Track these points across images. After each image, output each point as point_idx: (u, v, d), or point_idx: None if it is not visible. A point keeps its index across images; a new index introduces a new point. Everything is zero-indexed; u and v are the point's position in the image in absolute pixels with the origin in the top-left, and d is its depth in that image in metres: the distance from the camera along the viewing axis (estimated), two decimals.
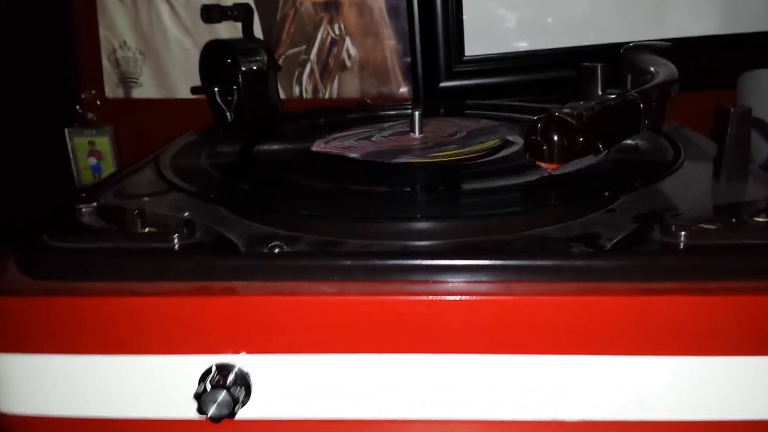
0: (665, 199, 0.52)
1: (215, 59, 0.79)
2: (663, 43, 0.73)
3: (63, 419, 0.46)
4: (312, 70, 1.00)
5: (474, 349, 0.43)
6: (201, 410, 0.42)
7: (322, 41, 0.98)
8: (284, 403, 0.44)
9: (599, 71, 0.74)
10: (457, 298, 0.42)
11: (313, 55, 0.99)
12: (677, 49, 0.75)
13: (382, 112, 0.82)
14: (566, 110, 0.50)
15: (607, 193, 0.50)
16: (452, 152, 0.61)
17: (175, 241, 0.46)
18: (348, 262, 0.44)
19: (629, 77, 0.72)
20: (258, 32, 0.96)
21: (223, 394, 0.42)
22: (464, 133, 0.67)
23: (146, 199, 0.57)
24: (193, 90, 0.81)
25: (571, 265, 0.43)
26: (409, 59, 0.96)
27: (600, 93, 0.74)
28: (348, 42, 0.98)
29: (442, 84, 0.94)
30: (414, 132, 0.65)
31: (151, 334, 0.44)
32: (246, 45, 0.79)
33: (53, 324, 0.44)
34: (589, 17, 0.94)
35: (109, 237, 0.48)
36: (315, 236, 0.48)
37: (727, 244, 0.43)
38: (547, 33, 0.94)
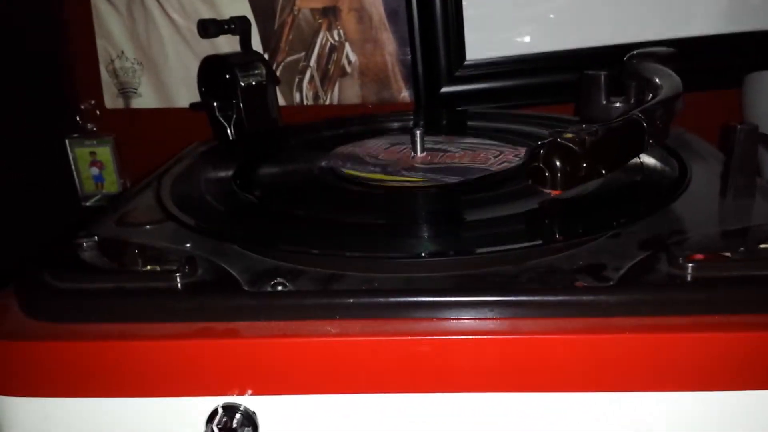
0: (671, 222, 0.51)
1: (213, 75, 0.78)
2: (667, 49, 0.72)
3: None
4: (312, 77, 0.99)
5: (479, 388, 0.42)
6: None
7: (322, 47, 0.97)
8: None
9: (603, 80, 0.73)
10: (462, 337, 0.41)
11: (312, 62, 0.98)
12: (682, 50, 0.74)
13: (383, 124, 0.82)
14: (569, 135, 0.50)
15: (616, 224, 0.49)
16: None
17: (178, 280, 0.46)
18: (350, 300, 0.44)
19: (633, 86, 0.71)
20: (256, 40, 0.95)
21: None
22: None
23: (147, 227, 0.56)
24: (192, 106, 0.80)
25: (578, 300, 0.42)
26: (409, 64, 0.95)
27: (604, 102, 0.73)
28: (348, 48, 0.97)
29: (444, 89, 0.93)
30: (416, 152, 0.64)
31: (155, 377, 0.44)
32: (244, 59, 0.78)
33: (56, 368, 0.44)
34: (592, 18, 0.92)
35: (110, 276, 0.47)
36: (317, 269, 0.47)
37: (735, 277, 0.43)
38: (550, 35, 0.92)
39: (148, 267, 0.48)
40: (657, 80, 0.63)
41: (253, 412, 0.44)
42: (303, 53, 0.98)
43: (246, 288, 0.45)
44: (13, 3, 0.92)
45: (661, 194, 0.54)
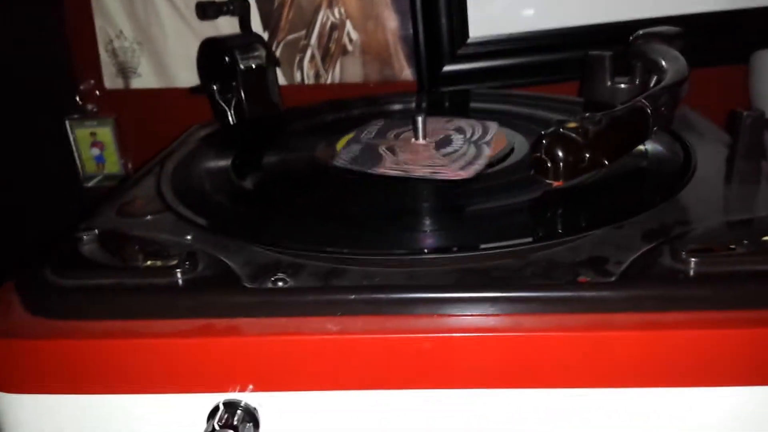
0: (675, 212, 0.51)
1: (212, 57, 0.77)
2: (673, 28, 0.71)
3: None
4: (313, 56, 0.97)
5: (481, 384, 0.42)
6: None
7: (322, 26, 0.96)
8: None
9: (607, 61, 0.72)
10: (464, 334, 0.41)
11: (313, 41, 0.97)
12: (689, 27, 0.73)
13: (385, 107, 0.81)
14: (572, 125, 0.49)
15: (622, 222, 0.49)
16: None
17: (178, 276, 0.46)
18: (352, 297, 0.43)
19: (638, 66, 0.70)
20: (256, 18, 0.94)
21: None
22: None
23: (148, 217, 0.56)
24: (192, 90, 0.79)
25: (580, 296, 0.42)
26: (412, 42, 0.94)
27: (609, 84, 0.72)
28: (349, 25, 0.96)
29: (446, 68, 0.92)
30: (418, 138, 0.63)
31: (156, 374, 0.44)
32: (243, 42, 0.77)
33: (57, 365, 0.44)
34: None
35: (111, 273, 0.47)
36: (318, 263, 0.47)
37: (737, 271, 0.42)
38: (553, 12, 0.91)
39: (149, 262, 0.48)
40: (663, 63, 0.62)
41: (255, 409, 0.44)
42: (303, 31, 0.96)
43: (247, 284, 0.45)
44: None
45: (665, 184, 0.53)
